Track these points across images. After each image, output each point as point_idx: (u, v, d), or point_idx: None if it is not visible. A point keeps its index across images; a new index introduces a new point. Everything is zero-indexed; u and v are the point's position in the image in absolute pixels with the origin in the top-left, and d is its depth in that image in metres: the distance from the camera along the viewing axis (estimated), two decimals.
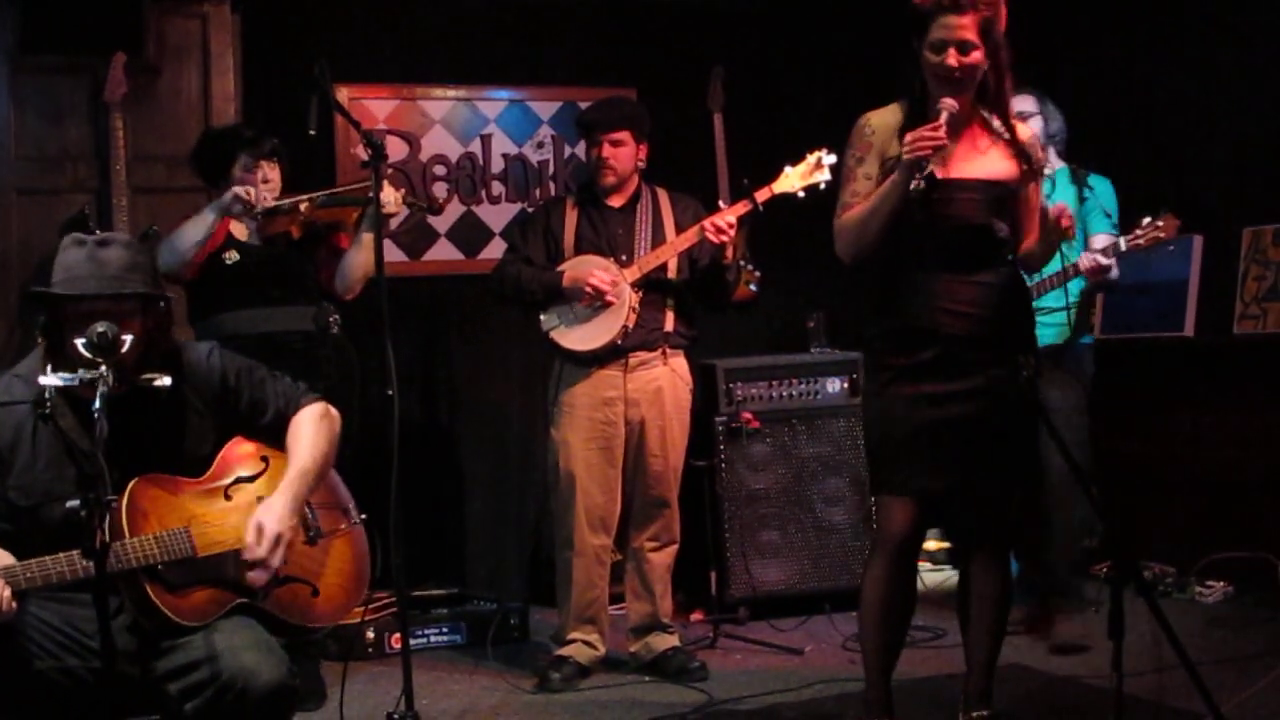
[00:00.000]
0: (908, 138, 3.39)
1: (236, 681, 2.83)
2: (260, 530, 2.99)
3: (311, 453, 3.16)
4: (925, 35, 3.46)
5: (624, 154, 4.68)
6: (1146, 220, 4.77)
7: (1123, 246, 4.83)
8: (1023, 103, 5.09)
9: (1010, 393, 3.48)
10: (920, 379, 3.51)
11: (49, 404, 2.82)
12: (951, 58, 3.43)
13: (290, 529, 3.04)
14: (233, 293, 4.45)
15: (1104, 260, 4.88)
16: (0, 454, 2.97)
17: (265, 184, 4.53)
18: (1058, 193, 5.10)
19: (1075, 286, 5.08)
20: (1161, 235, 4.75)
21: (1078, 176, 5.17)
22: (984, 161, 3.54)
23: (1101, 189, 5.16)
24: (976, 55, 3.44)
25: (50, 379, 2.82)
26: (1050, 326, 5.08)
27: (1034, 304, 4.92)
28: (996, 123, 3.58)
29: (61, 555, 2.80)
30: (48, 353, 2.99)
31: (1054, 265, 4.98)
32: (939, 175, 3.45)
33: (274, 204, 4.48)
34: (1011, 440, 3.56)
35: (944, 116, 3.39)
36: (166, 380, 2.96)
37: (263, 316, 4.44)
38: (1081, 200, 5.11)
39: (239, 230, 4.54)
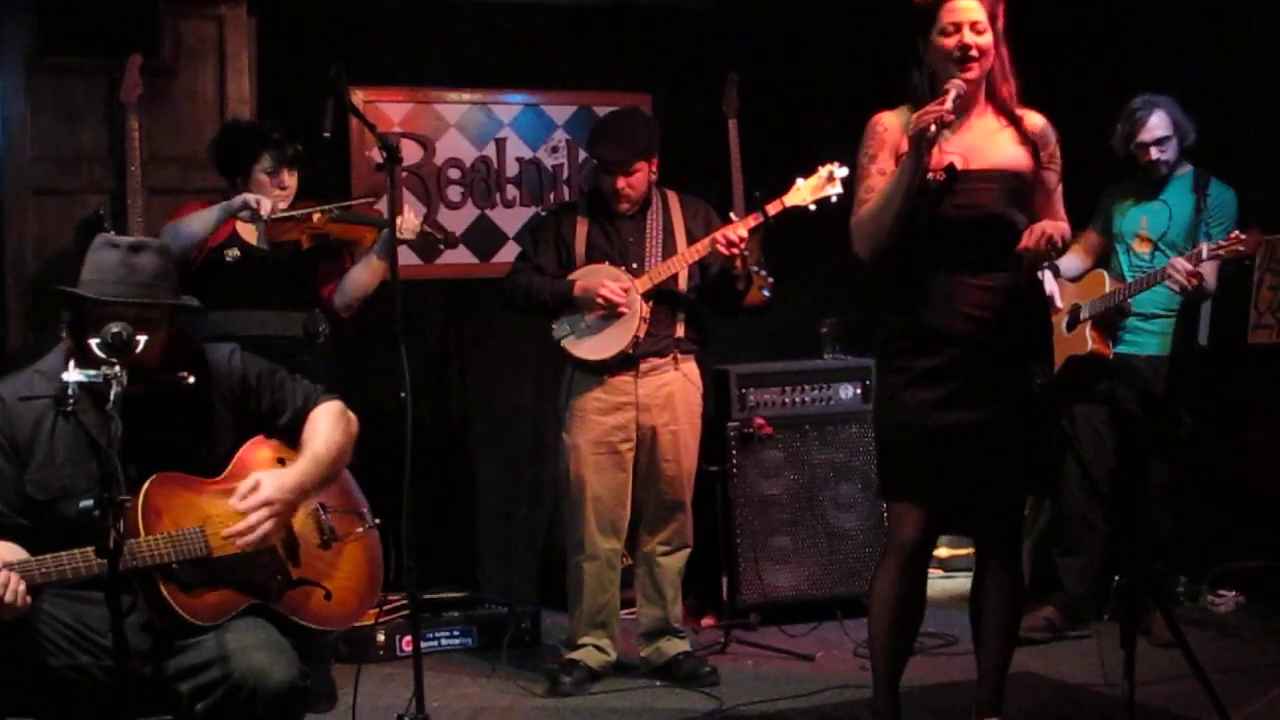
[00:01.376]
0: (913, 116, 3.39)
1: (247, 681, 2.83)
2: (255, 487, 2.99)
3: (326, 442, 3.16)
4: (933, 27, 3.45)
5: (638, 180, 4.66)
6: (1234, 233, 4.60)
7: (1204, 254, 4.63)
8: (1159, 127, 4.95)
9: (1023, 398, 3.47)
10: (933, 383, 3.49)
11: (71, 400, 2.83)
12: (967, 35, 3.42)
13: (286, 504, 3.03)
14: (227, 291, 4.43)
15: (1191, 266, 4.64)
16: (19, 448, 2.98)
17: (282, 190, 4.54)
18: (1177, 198, 5.01)
19: (1168, 293, 4.90)
20: (1241, 249, 4.57)
21: (1200, 183, 5.01)
22: (999, 151, 3.52)
23: (1223, 197, 4.99)
24: (989, 38, 3.44)
25: (73, 375, 2.82)
26: (1149, 335, 5.03)
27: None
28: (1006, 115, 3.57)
29: (77, 551, 2.80)
30: (72, 350, 3.00)
31: (1140, 267, 4.94)
32: (959, 168, 3.44)
33: (286, 212, 4.48)
34: (1024, 446, 3.55)
35: (951, 94, 3.36)
36: (191, 378, 2.98)
37: (252, 319, 4.44)
38: (1199, 208, 4.97)
39: (248, 232, 4.54)
